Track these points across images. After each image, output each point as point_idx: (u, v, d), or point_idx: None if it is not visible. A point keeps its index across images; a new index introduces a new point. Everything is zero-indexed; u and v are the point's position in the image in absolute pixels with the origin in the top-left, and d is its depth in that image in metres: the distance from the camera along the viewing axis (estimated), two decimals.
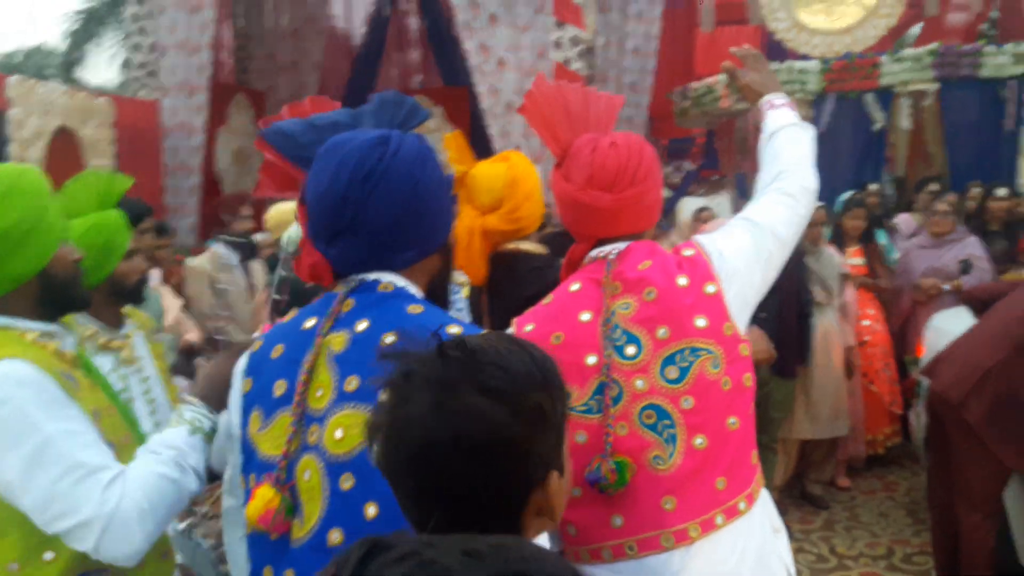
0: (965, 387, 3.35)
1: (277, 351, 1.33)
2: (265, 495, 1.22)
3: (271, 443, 1.27)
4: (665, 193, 10.39)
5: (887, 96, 7.36)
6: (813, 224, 4.97)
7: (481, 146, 7.92)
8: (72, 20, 15.79)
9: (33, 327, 1.53)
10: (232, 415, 1.38)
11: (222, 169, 9.11)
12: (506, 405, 0.83)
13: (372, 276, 1.34)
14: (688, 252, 1.73)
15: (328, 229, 1.30)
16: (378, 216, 1.28)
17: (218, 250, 4.35)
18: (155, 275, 4.16)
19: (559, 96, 1.79)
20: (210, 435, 1.51)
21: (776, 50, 9.15)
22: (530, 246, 2.46)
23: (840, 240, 5.37)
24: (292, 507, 1.22)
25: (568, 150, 1.76)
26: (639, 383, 1.61)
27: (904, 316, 5.39)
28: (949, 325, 4.38)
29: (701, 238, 1.77)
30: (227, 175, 9.18)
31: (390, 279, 1.34)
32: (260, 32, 9.95)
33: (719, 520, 1.61)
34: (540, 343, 1.59)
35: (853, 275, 5.25)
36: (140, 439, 1.59)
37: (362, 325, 1.28)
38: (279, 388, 1.29)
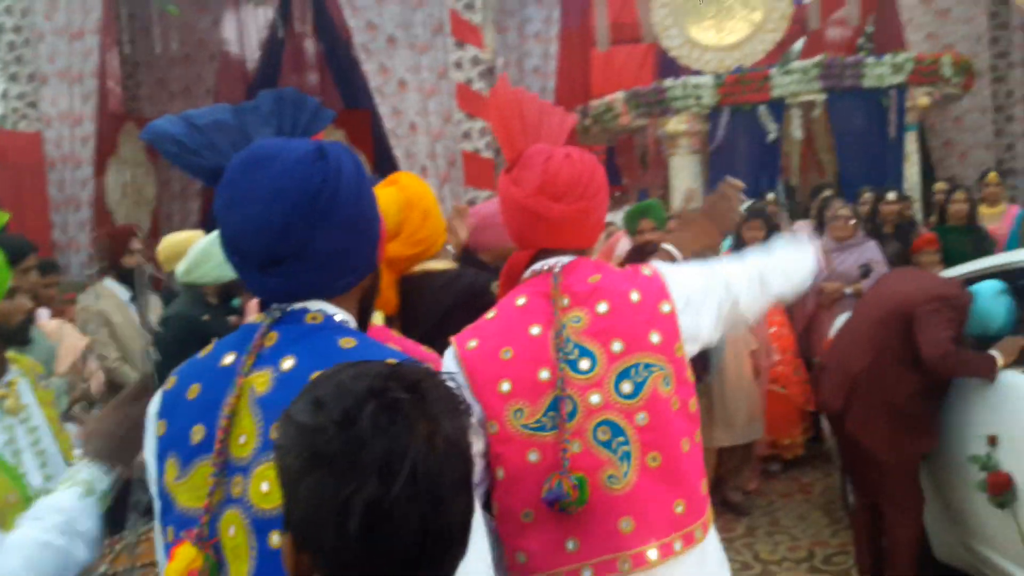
0: (840, 396, 3.47)
1: (193, 391, 1.20)
2: (187, 555, 1.09)
3: (190, 494, 1.15)
4: None
5: (779, 107, 7.64)
6: None
7: (387, 167, 7.83)
8: None
9: None
10: (148, 460, 1.25)
11: (114, 201, 8.71)
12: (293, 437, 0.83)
13: (298, 305, 1.22)
14: (646, 272, 1.71)
15: (261, 256, 1.17)
16: (326, 243, 1.16)
17: (110, 287, 4.12)
18: (44, 314, 3.90)
19: (517, 102, 1.76)
20: (105, 496, 1.38)
21: (670, 67, 9.42)
22: (438, 264, 2.39)
23: (741, 249, 5.49)
24: (217, 566, 1.11)
25: (520, 156, 1.73)
26: (594, 398, 1.57)
27: (807, 318, 5.55)
28: None
29: (659, 264, 1.75)
30: (119, 207, 8.78)
31: (318, 308, 1.22)
32: (149, 58, 9.60)
33: (677, 546, 1.57)
34: (488, 360, 1.59)
35: None
36: (26, 497, 1.45)
37: (288, 363, 1.16)
38: (197, 434, 1.16)
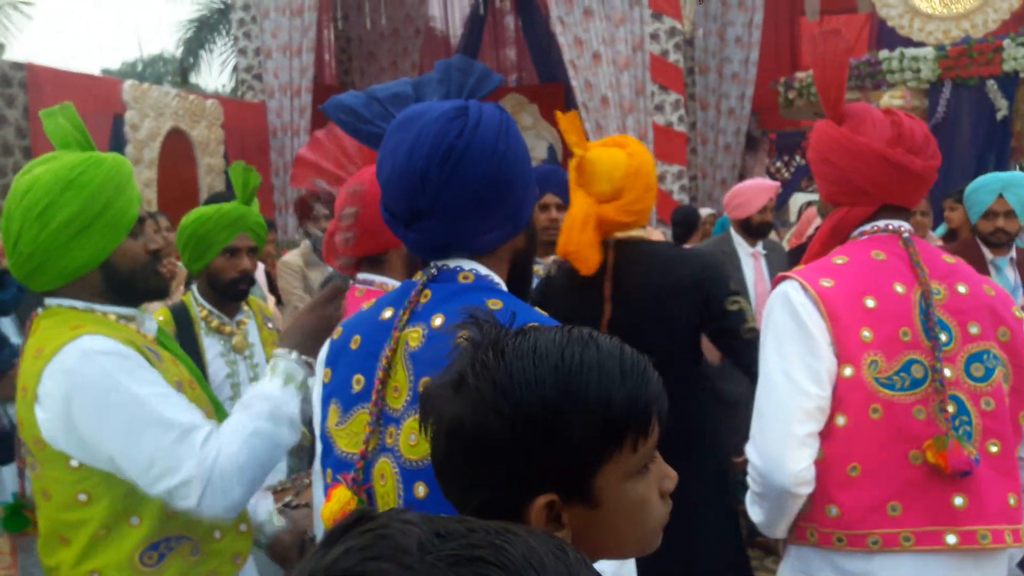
0: None
1: (355, 342, 1.26)
2: (342, 497, 1.17)
3: (348, 440, 1.22)
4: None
5: (1011, 82, 6.89)
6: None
7: None
8: (185, 28, 16.59)
9: (111, 310, 1.56)
10: (314, 404, 1.35)
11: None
12: (478, 405, 0.78)
13: (453, 263, 1.24)
14: (995, 279, 1.71)
15: (405, 211, 1.20)
16: (460, 197, 1.17)
17: (308, 245, 4.45)
18: (259, 270, 4.28)
19: (846, 53, 1.73)
20: (304, 384, 1.51)
21: (888, 37, 8.73)
22: (652, 234, 2.38)
23: (954, 236, 5.03)
24: None
25: (842, 108, 1.70)
26: (946, 371, 1.55)
27: None
28: None
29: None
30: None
31: (471, 267, 1.24)
32: (360, 33, 10.16)
33: (1008, 538, 1.54)
34: (851, 303, 1.57)
35: None
36: (222, 416, 1.61)
37: (438, 320, 1.19)
38: (357, 383, 1.23)
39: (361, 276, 1.97)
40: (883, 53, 7.42)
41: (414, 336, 1.19)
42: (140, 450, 1.40)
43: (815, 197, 6.20)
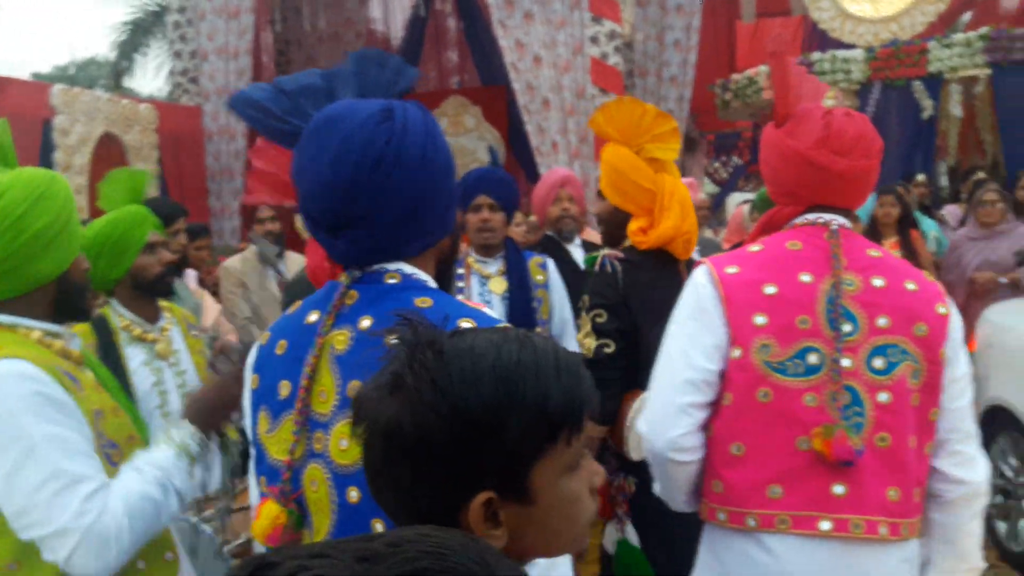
0: None
1: (281, 347, 1.23)
2: (270, 512, 1.14)
3: (279, 447, 1.19)
4: (711, 188, 10.22)
5: (936, 83, 7.13)
6: None
7: (520, 144, 7.89)
8: (119, 31, 16.17)
9: (38, 326, 1.53)
10: (245, 411, 1.31)
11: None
12: (417, 407, 0.78)
13: (376, 266, 1.21)
14: (929, 277, 1.69)
15: (331, 220, 1.16)
16: (391, 206, 1.14)
17: (253, 250, 4.38)
18: (191, 275, 4.19)
19: (793, 63, 1.79)
20: (196, 458, 1.51)
21: (820, 40, 8.96)
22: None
23: (876, 233, 5.19)
24: (301, 519, 1.16)
25: (790, 113, 1.73)
26: (844, 361, 1.57)
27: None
28: (1004, 319, 4.22)
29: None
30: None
31: (396, 267, 1.21)
32: (299, 36, 10.04)
33: (883, 530, 1.56)
34: (748, 289, 1.61)
35: None
36: (146, 440, 1.59)
37: (365, 322, 1.16)
38: (284, 388, 1.19)
39: None
40: (815, 55, 7.62)
41: (340, 339, 1.17)
42: (18, 492, 1.35)
43: (751, 196, 6.34)
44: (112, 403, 1.59)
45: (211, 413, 1.52)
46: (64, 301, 1.56)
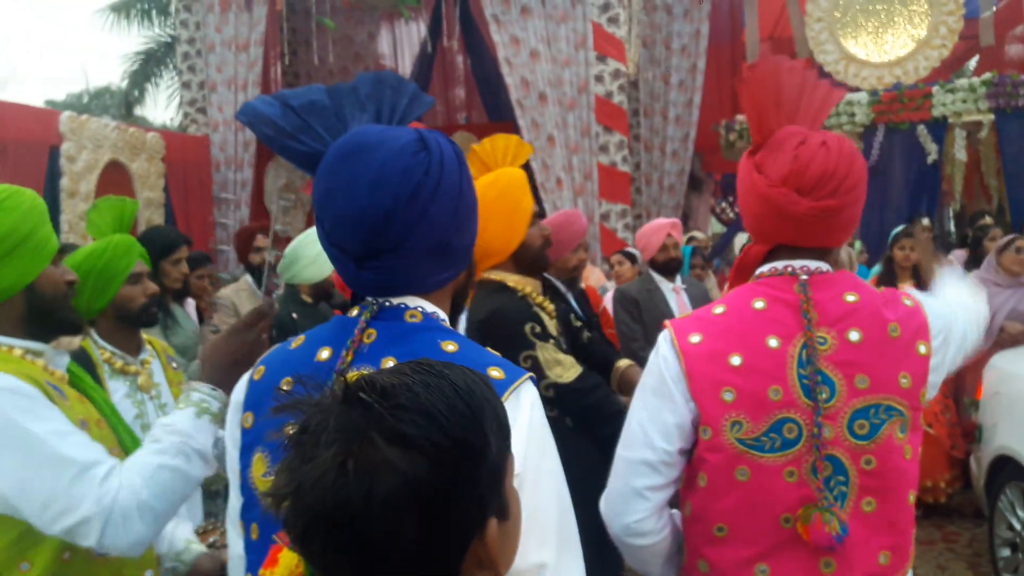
0: None
1: (287, 384, 1.13)
2: (289, 562, 1.09)
3: None
4: (718, 228, 10.21)
5: (940, 127, 7.16)
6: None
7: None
8: (131, 61, 16.35)
9: (19, 344, 1.52)
10: (228, 448, 1.23)
11: (271, 202, 9.24)
12: (423, 453, 0.72)
13: (396, 300, 1.17)
14: (907, 302, 1.54)
15: (361, 249, 1.12)
16: (424, 237, 1.12)
17: (248, 280, 4.36)
18: (191, 305, 4.17)
19: (775, 74, 1.58)
20: (218, 415, 1.46)
21: None
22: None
23: (891, 275, 5.18)
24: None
25: (767, 138, 1.56)
26: (826, 431, 1.44)
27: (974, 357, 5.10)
28: (1011, 366, 4.16)
29: (918, 294, 1.60)
30: (277, 208, 9.31)
31: (416, 305, 1.17)
32: (309, 69, 10.14)
33: None
34: (713, 361, 1.48)
35: None
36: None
37: (389, 364, 1.10)
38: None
39: None
40: None
41: None
42: (36, 490, 1.36)
43: None
44: (97, 416, 1.58)
45: (230, 369, 1.45)
46: (36, 315, 1.53)
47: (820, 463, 1.44)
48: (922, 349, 1.49)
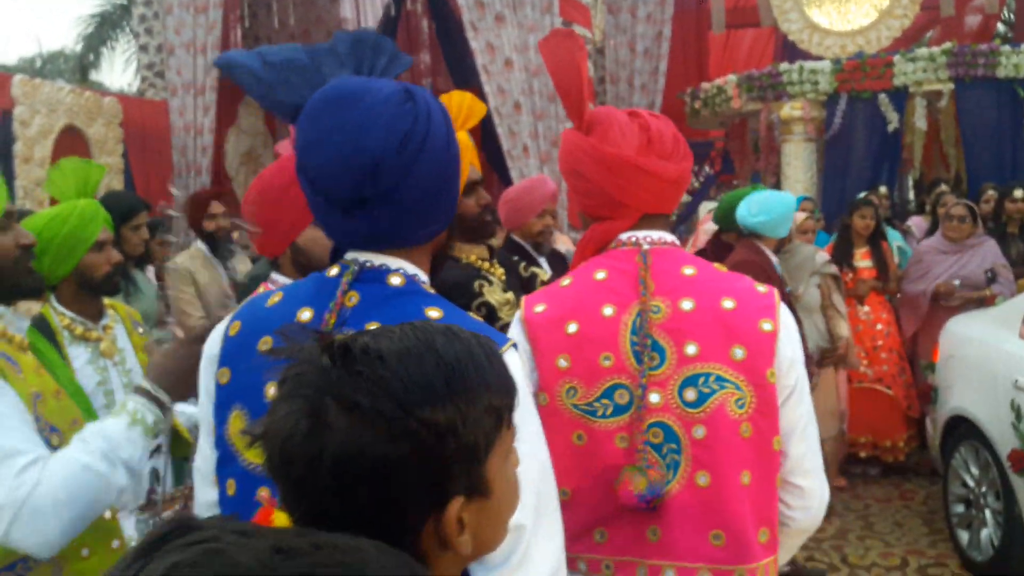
0: None
1: (266, 344, 1.14)
2: (282, 522, 1.10)
3: (259, 451, 1.14)
4: (684, 198, 10.25)
5: (901, 96, 7.24)
6: (802, 231, 4.82)
7: (491, 146, 7.87)
8: (85, 24, 15.88)
9: None
10: (202, 401, 1.22)
11: (232, 168, 9.08)
12: (379, 427, 0.71)
13: (377, 260, 1.16)
14: (760, 288, 1.53)
15: (348, 196, 1.11)
16: (415, 186, 1.11)
17: (200, 248, 4.28)
18: (150, 271, 4.10)
19: (572, 52, 1.57)
20: (152, 428, 1.44)
21: (789, 51, 9.06)
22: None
23: (848, 243, 5.26)
24: None
25: (585, 115, 1.57)
26: (653, 396, 1.46)
27: (920, 320, 5.24)
28: (965, 330, 4.27)
29: (784, 308, 1.54)
30: (238, 174, 9.15)
31: (398, 266, 1.16)
32: (268, 33, 9.93)
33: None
34: (551, 329, 1.50)
35: (864, 279, 5.15)
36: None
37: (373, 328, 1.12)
38: (273, 392, 1.13)
39: (274, 275, 1.91)
40: (783, 65, 7.69)
41: None
42: None
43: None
44: (55, 387, 1.53)
45: (180, 378, 1.44)
46: None
47: (641, 425, 1.45)
48: (766, 326, 1.47)
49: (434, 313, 1.12)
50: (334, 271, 1.19)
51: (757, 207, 3.83)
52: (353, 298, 1.15)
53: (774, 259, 3.91)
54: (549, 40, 1.61)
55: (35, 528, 1.30)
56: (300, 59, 1.20)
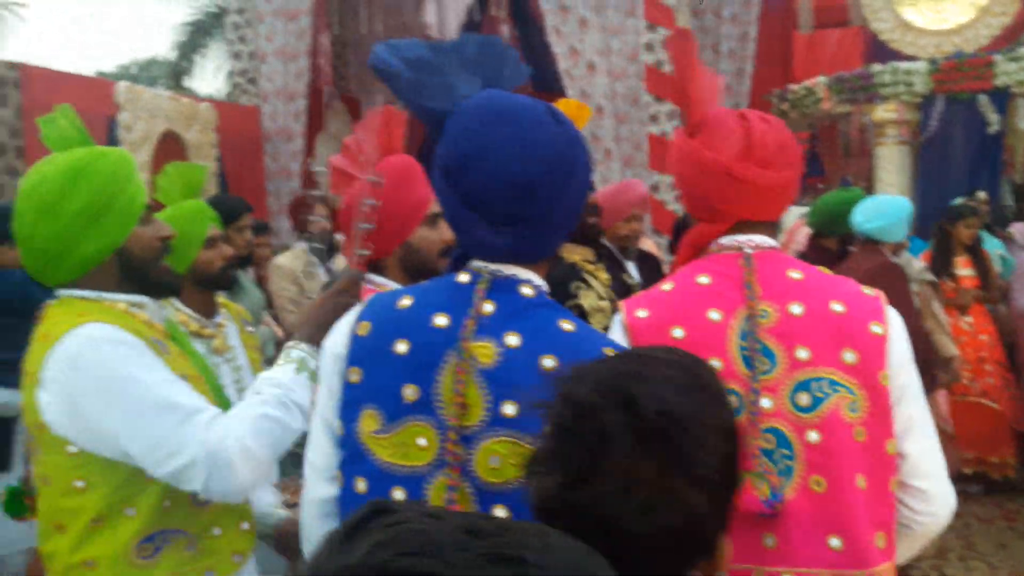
0: None
1: (401, 347, 1.17)
2: None
3: (395, 451, 1.15)
4: None
5: (1003, 97, 6.94)
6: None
7: None
8: (179, 32, 16.52)
9: (122, 298, 1.56)
10: (322, 398, 1.24)
11: (322, 172, 9.31)
12: (708, 492, 0.77)
13: (507, 271, 1.19)
14: (867, 291, 1.52)
15: (501, 214, 1.14)
16: (562, 207, 1.16)
17: (305, 249, 4.42)
18: (250, 271, 4.24)
19: (692, 54, 1.60)
20: (314, 374, 1.50)
21: (880, 51, 8.78)
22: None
23: (947, 252, 5.07)
24: None
25: (696, 118, 1.57)
26: (764, 402, 1.44)
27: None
28: None
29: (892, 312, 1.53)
30: (326, 179, 9.38)
31: (528, 277, 1.20)
32: (356, 39, 10.15)
33: None
34: (655, 334, 1.49)
35: (966, 288, 4.96)
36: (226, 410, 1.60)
37: (513, 339, 1.14)
38: (410, 392, 1.15)
39: (368, 275, 1.95)
40: (875, 67, 7.46)
41: (484, 352, 1.14)
42: (144, 432, 1.41)
43: (809, 210, 6.22)
44: (194, 372, 1.62)
45: (325, 328, 1.49)
46: (130, 275, 1.56)
47: (756, 431, 1.43)
48: (876, 329, 1.45)
49: (567, 326, 1.16)
50: (464, 278, 1.21)
51: (872, 212, 3.76)
52: (488, 306, 1.17)
53: None
54: (669, 42, 1.67)
55: (229, 476, 1.39)
56: (428, 57, 1.22)
